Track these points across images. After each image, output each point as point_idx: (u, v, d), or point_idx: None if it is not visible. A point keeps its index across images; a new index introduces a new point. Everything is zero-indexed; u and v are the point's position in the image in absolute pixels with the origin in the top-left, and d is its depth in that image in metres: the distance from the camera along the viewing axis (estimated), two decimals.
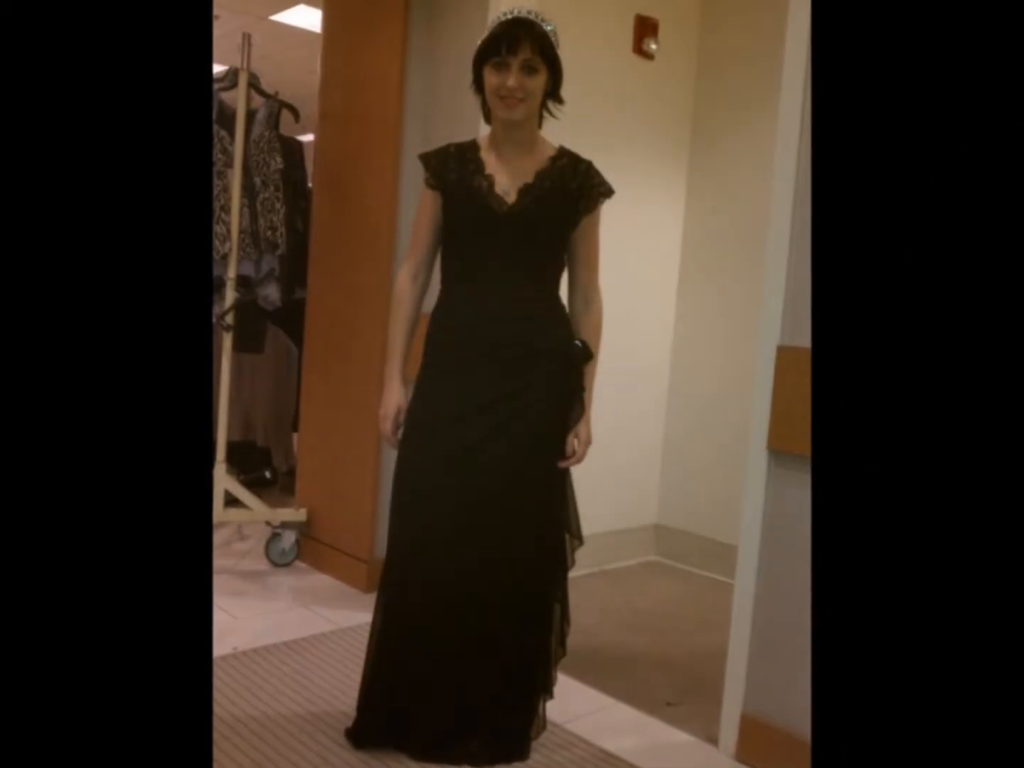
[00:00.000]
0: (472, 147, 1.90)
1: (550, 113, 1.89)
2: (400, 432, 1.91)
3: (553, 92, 1.85)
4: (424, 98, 2.89)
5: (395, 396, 1.91)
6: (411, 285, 1.93)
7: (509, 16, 1.77)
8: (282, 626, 2.62)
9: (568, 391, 1.88)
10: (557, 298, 1.92)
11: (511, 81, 1.75)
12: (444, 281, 1.92)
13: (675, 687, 2.40)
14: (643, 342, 3.46)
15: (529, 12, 1.78)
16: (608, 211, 1.94)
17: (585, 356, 1.90)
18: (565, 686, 2.16)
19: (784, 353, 1.93)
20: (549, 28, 1.78)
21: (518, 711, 1.91)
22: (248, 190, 3.28)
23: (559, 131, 1.96)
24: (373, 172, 2.94)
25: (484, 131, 1.94)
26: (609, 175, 1.91)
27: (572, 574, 1.98)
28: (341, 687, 2.21)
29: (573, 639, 2.05)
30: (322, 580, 3.08)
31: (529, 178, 1.84)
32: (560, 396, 1.87)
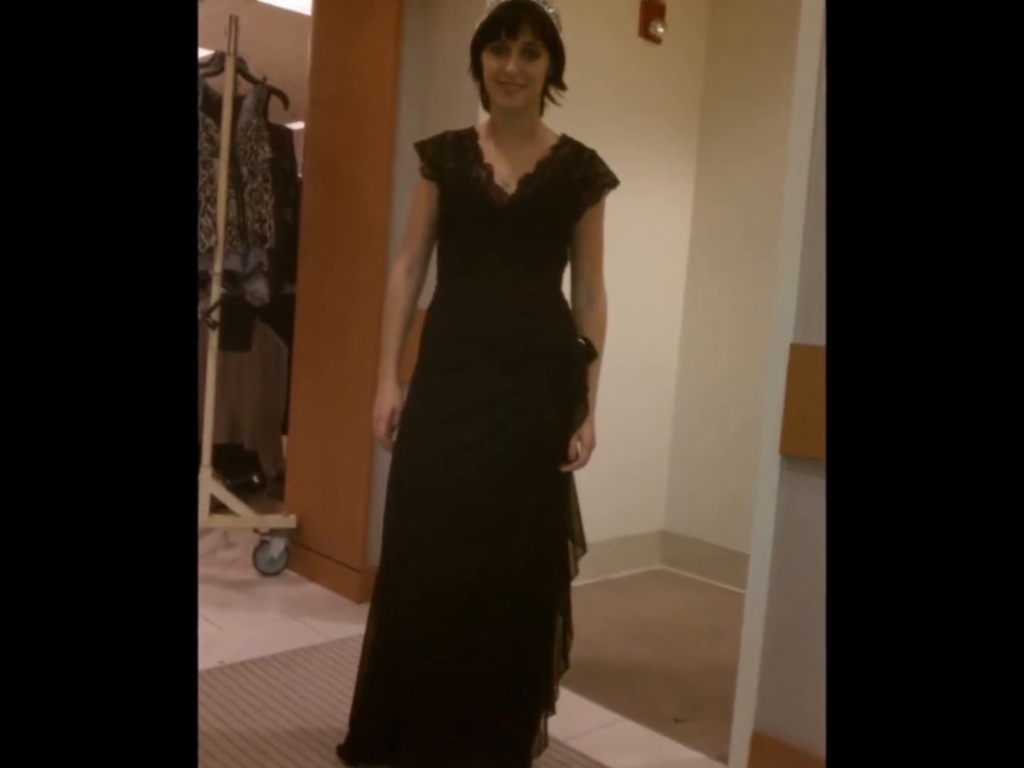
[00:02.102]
0: (470, 135, 1.86)
1: (552, 100, 1.85)
2: (395, 432, 1.87)
3: (555, 78, 1.82)
4: (420, 84, 2.86)
5: (389, 396, 1.87)
6: (406, 280, 1.90)
7: None
8: (270, 638, 2.59)
9: (570, 390, 1.84)
10: (559, 293, 1.89)
11: (511, 66, 1.71)
12: (441, 276, 1.89)
13: (682, 701, 2.35)
14: (649, 339, 3.42)
15: None
16: (613, 202, 1.90)
17: (588, 355, 1.86)
18: (567, 701, 2.11)
19: (797, 351, 1.90)
20: (551, 11, 1.74)
21: (516, 714, 1.87)
22: (235, 181, 3.25)
23: (561, 118, 1.92)
24: (367, 161, 2.90)
25: (483, 119, 1.90)
26: (613, 164, 1.88)
27: (574, 583, 1.94)
28: (332, 702, 2.18)
29: (576, 651, 2.00)
30: (312, 590, 3.04)
31: (530, 168, 1.81)
32: (561, 395, 1.83)
